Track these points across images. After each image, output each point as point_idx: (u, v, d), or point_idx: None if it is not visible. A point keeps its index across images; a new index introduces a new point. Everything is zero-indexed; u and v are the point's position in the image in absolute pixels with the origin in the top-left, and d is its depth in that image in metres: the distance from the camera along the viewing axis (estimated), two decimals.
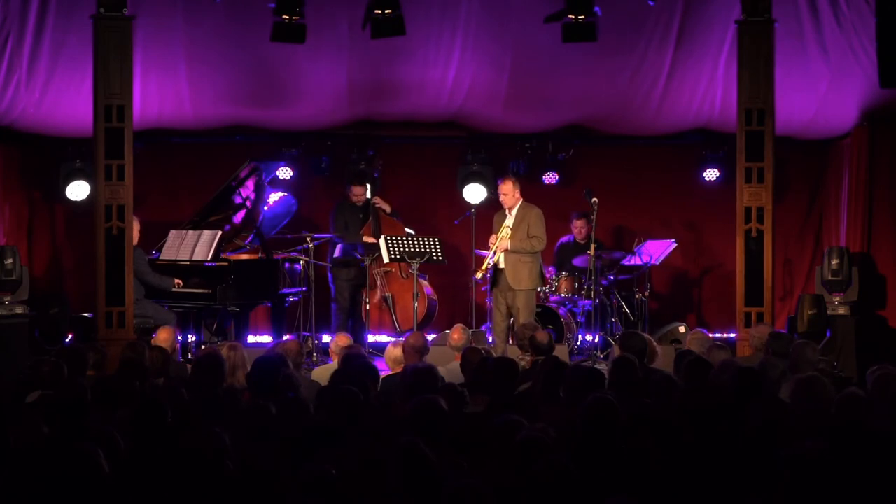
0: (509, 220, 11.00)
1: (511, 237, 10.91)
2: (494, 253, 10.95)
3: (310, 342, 11.49)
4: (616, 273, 12.42)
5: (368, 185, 12.35)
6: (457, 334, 9.30)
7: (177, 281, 11.24)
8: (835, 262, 11.90)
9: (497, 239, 10.96)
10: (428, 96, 12.50)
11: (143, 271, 10.95)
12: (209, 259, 11.26)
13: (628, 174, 13.49)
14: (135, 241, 10.99)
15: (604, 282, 12.16)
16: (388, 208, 12.30)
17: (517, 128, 13.16)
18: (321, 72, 12.13)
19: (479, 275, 11.15)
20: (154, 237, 11.60)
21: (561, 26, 10.69)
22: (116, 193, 10.41)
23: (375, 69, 12.14)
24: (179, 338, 10.55)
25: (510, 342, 10.78)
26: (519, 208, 11.03)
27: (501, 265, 10.95)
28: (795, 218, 13.25)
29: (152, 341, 9.04)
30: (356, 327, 12.14)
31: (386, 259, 11.56)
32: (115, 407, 6.38)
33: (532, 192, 11.83)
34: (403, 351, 8.42)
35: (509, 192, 11.04)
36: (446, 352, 9.65)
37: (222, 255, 11.41)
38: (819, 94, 12.09)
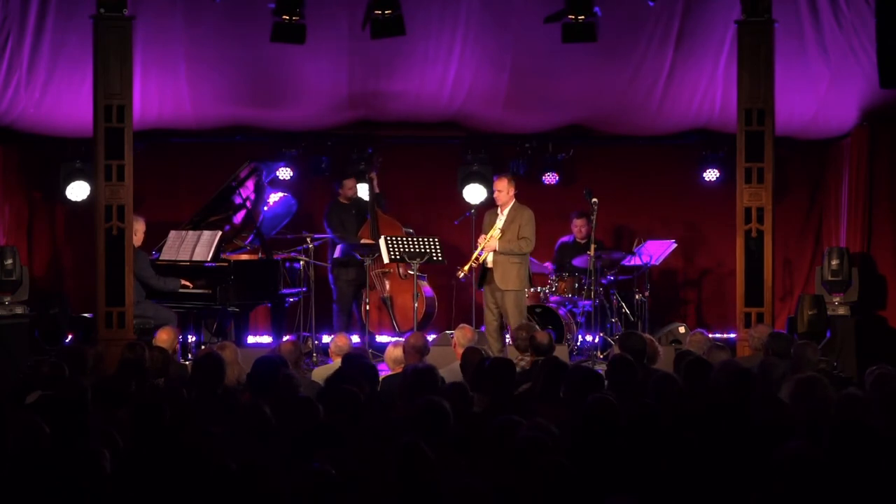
0: (500, 221, 10.95)
1: (501, 237, 10.86)
2: (482, 252, 10.91)
3: (310, 342, 11.49)
4: (616, 273, 12.42)
5: (364, 186, 12.37)
6: (469, 332, 9.25)
7: (185, 282, 11.22)
8: (835, 262, 11.90)
9: (486, 239, 10.92)
10: (428, 96, 12.50)
11: (146, 275, 10.95)
12: (209, 259, 11.26)
13: (628, 174, 13.50)
14: (139, 243, 11.01)
15: (603, 281, 12.17)
16: (376, 189, 12.30)
17: (517, 128, 13.15)
18: (321, 72, 12.13)
19: (461, 274, 11.12)
20: (154, 237, 11.60)
21: (561, 26, 10.69)
22: (116, 193, 10.40)
23: (375, 69, 12.14)
24: (179, 338, 10.54)
25: (507, 342, 10.77)
26: (511, 208, 10.96)
27: (490, 264, 10.92)
28: (795, 218, 13.25)
29: (153, 341, 9.04)
30: (357, 328, 12.14)
31: (386, 259, 11.56)
32: (114, 407, 6.38)
33: (532, 192, 11.85)
34: (404, 351, 8.42)
35: (503, 188, 10.97)
36: (447, 352, 9.65)
37: (222, 256, 11.41)
38: (819, 94, 12.10)
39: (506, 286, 10.81)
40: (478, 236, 11.35)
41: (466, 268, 11.02)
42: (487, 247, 10.87)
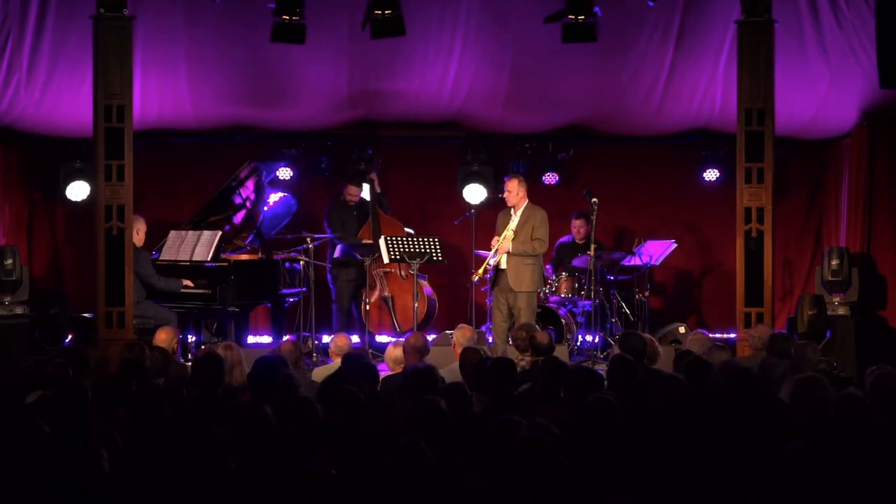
0: (513, 222, 10.91)
1: (514, 239, 10.83)
2: (495, 254, 10.89)
3: (310, 342, 11.49)
4: (616, 273, 12.42)
5: (366, 186, 12.39)
6: (469, 332, 9.24)
7: (187, 282, 11.22)
8: (835, 262, 11.91)
9: (499, 241, 10.89)
10: (428, 96, 12.50)
11: (148, 275, 10.95)
12: (209, 259, 11.26)
13: (628, 174, 13.49)
14: (140, 244, 11.01)
15: (604, 281, 12.16)
16: (378, 189, 12.31)
17: (517, 128, 13.15)
18: (321, 72, 12.13)
19: (475, 277, 11.12)
20: (154, 237, 11.60)
21: (561, 26, 10.69)
22: (116, 193, 10.41)
23: (375, 69, 12.15)
24: (179, 337, 10.54)
25: (510, 343, 10.76)
26: (524, 209, 10.93)
27: (503, 266, 10.88)
28: (795, 218, 13.25)
29: (153, 341, 9.03)
30: (357, 328, 12.14)
31: (386, 259, 11.56)
32: (114, 407, 6.38)
33: (532, 193, 11.82)
34: (404, 351, 8.42)
35: (513, 189, 10.94)
36: (447, 352, 9.64)
37: (222, 256, 11.41)
38: (819, 94, 12.10)
39: (519, 287, 10.77)
40: (478, 236, 11.35)
41: (481, 270, 10.99)
42: (501, 248, 10.85)
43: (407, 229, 12.24)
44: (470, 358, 7.78)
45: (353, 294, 12.25)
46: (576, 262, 12.27)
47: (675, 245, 12.60)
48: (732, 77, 11.18)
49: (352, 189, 12.35)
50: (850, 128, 12.54)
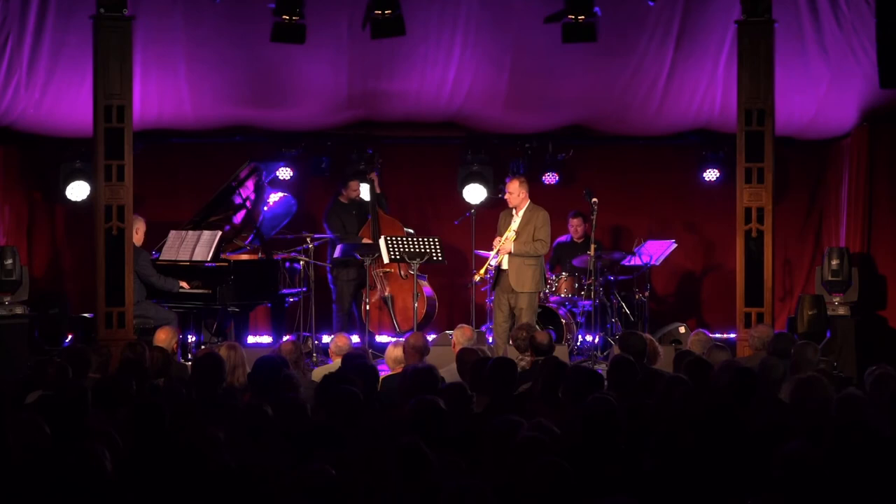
0: (515, 223, 10.90)
1: (516, 239, 10.82)
2: (497, 255, 10.88)
3: (310, 342, 11.49)
4: (616, 273, 12.42)
5: (366, 186, 12.40)
6: (469, 332, 9.24)
7: (182, 283, 11.23)
8: (835, 262, 11.91)
9: (500, 241, 10.88)
10: (428, 96, 12.50)
11: (147, 273, 10.96)
12: (209, 259, 11.26)
13: (628, 174, 13.49)
14: (140, 243, 11.01)
15: (603, 281, 12.15)
16: (377, 189, 12.32)
17: (517, 128, 13.16)
18: (321, 72, 12.14)
19: (477, 277, 11.11)
20: (154, 237, 11.60)
21: (561, 26, 10.69)
22: (116, 194, 10.41)
23: (375, 69, 12.15)
24: (179, 337, 10.54)
25: (510, 343, 10.76)
26: (526, 210, 10.91)
27: (505, 266, 10.87)
28: (795, 218, 13.25)
29: (153, 341, 9.03)
30: (357, 328, 12.14)
31: (386, 259, 11.55)
32: (114, 407, 6.38)
33: (532, 193, 11.84)
34: (404, 351, 8.42)
35: (514, 191, 10.92)
36: (446, 352, 9.64)
37: (222, 256, 11.41)
38: (819, 94, 12.10)
39: (521, 288, 10.75)
40: (478, 236, 11.34)
41: (483, 271, 10.98)
42: (502, 249, 10.84)
43: (407, 229, 12.24)
44: (467, 358, 7.78)
45: (354, 294, 12.25)
46: (575, 262, 12.27)
47: (675, 245, 12.60)
48: (732, 77, 11.19)
49: (353, 184, 12.36)
50: (850, 128, 12.54)
